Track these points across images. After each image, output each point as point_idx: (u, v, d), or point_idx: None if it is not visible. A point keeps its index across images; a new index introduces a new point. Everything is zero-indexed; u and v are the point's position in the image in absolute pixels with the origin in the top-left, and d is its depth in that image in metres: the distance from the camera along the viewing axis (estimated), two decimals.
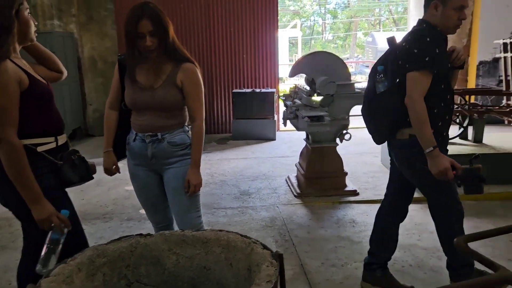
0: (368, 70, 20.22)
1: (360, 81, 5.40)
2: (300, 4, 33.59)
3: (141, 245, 1.71)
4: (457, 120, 4.87)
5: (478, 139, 4.72)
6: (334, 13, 39.45)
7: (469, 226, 3.61)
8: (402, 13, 30.61)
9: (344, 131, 4.27)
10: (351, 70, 23.64)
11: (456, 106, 4.70)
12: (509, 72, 4.83)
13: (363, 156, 5.64)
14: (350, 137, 4.29)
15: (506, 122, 4.85)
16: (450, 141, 4.85)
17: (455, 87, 5.41)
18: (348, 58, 32.66)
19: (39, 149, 1.86)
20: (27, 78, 1.79)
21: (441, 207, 2.45)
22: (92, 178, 2.05)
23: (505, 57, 4.81)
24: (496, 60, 7.27)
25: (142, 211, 3.94)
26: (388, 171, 4.88)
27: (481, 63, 7.23)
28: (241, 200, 4.28)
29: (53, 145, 1.91)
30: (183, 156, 2.28)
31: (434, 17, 2.27)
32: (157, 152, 2.26)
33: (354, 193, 4.29)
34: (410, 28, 8.02)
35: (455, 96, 5.13)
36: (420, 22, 2.36)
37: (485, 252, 3.11)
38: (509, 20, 7.10)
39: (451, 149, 4.52)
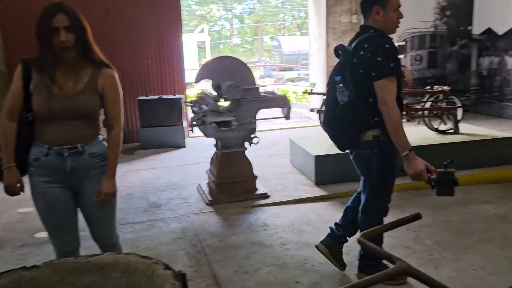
0: (275, 73, 20.90)
1: (265, 85, 5.47)
2: (207, 8, 33.59)
3: (26, 280, 1.52)
4: None
5: None
6: (241, 17, 40.13)
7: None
8: (304, 18, 32.09)
9: (252, 135, 4.30)
10: (259, 73, 24.25)
11: None
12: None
13: (273, 158, 5.75)
14: (258, 141, 4.32)
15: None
16: None
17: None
18: (256, 62, 33.40)
19: None
20: None
21: (377, 206, 2.63)
22: None
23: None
24: None
25: (38, 235, 3.58)
26: (297, 172, 5.07)
27: None
28: (150, 213, 4.08)
29: None
30: (104, 167, 2.16)
31: (378, 22, 2.39)
32: (77, 165, 2.09)
33: (265, 196, 4.33)
34: (312, 33, 8.18)
35: None
36: (366, 28, 2.45)
37: (386, 242, 3.31)
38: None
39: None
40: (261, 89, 4.43)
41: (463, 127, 5.54)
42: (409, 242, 3.39)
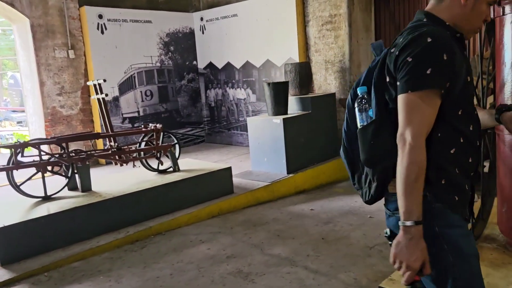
0: (17, 116, 18.02)
1: None
2: None
3: None
4: (62, 172, 4.38)
5: (86, 187, 4.36)
6: None
7: None
8: None
9: None
10: None
11: (52, 157, 4.19)
12: (105, 114, 4.72)
13: None
14: None
15: (113, 163, 4.72)
16: (55, 195, 4.34)
17: (37, 138, 4.58)
18: None
19: None
20: None
21: None
22: None
23: (98, 99, 4.68)
24: (116, 99, 7.40)
25: None
26: None
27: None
28: None
29: None
30: None
31: (454, 10, 1.50)
32: None
33: None
34: (22, 70, 6.87)
35: (52, 146, 4.65)
36: (420, 15, 1.54)
37: None
38: (120, 59, 7.37)
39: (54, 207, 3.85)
40: None
41: (186, 162, 5.44)
42: None
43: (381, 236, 4.03)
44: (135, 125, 7.54)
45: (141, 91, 7.72)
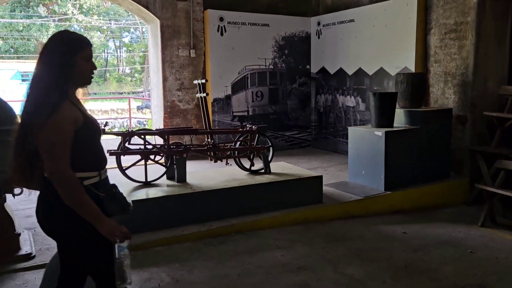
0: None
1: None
2: (86, 35, 31.70)
3: None
4: (163, 161, 4.77)
5: (181, 178, 4.68)
6: (129, 46, 38.94)
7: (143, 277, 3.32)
8: None
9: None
10: (137, 104, 23.25)
11: (154, 148, 4.58)
12: (205, 112, 4.99)
13: None
14: (21, 192, 3.65)
15: (209, 159, 4.98)
16: (154, 182, 4.74)
17: (157, 127, 5.11)
18: (141, 92, 32.29)
19: (86, 182, 1.94)
20: (81, 116, 1.95)
21: None
22: (130, 212, 2.14)
23: (200, 97, 4.97)
24: (228, 98, 7.78)
25: None
26: None
27: (215, 100, 7.63)
28: None
29: (96, 179, 2.02)
30: None
31: None
32: None
33: (28, 257, 3.64)
34: (151, 66, 7.65)
35: (153, 137, 5.00)
36: None
37: None
38: (235, 60, 7.72)
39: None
40: None
41: (280, 166, 5.46)
42: None
43: (477, 276, 3.54)
44: (244, 123, 7.84)
45: (252, 92, 7.99)
